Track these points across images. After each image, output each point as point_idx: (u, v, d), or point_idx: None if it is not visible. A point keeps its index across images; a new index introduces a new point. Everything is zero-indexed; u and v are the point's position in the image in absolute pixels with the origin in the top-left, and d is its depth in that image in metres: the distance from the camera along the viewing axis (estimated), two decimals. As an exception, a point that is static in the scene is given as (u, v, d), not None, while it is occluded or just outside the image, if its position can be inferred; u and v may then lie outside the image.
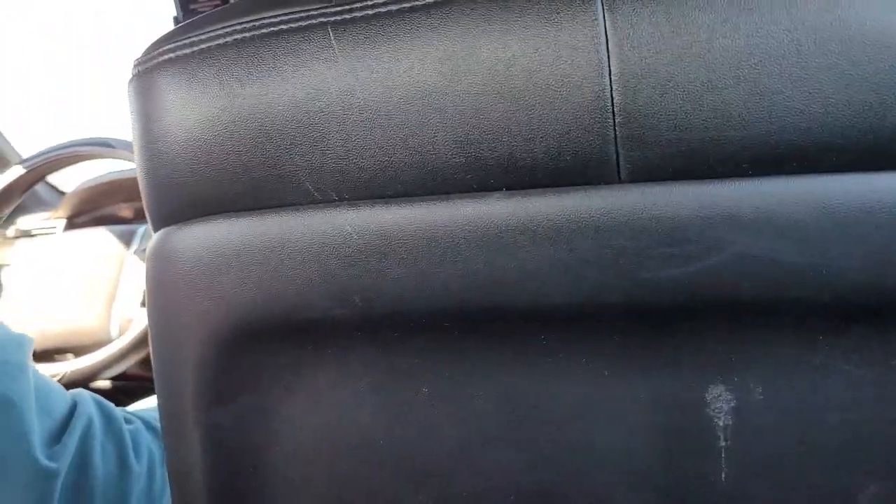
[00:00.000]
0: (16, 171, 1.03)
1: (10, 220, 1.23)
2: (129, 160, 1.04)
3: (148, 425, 0.56)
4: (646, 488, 0.35)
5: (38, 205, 1.36)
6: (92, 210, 1.25)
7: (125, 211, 1.23)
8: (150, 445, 0.54)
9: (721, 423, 0.32)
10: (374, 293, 0.33)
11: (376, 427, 0.36)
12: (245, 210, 0.34)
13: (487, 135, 0.31)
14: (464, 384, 0.35)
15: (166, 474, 0.55)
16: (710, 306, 0.31)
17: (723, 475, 0.34)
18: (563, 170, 0.30)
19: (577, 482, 0.35)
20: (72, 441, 0.48)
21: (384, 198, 0.32)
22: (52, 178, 1.39)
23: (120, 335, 0.98)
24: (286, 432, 0.37)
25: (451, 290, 0.32)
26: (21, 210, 1.29)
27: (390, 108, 0.31)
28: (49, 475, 0.46)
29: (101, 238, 1.05)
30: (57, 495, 0.47)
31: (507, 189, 0.31)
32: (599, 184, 0.30)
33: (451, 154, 0.31)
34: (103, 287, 1.02)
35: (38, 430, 0.47)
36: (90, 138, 1.06)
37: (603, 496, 0.35)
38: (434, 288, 0.32)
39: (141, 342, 0.95)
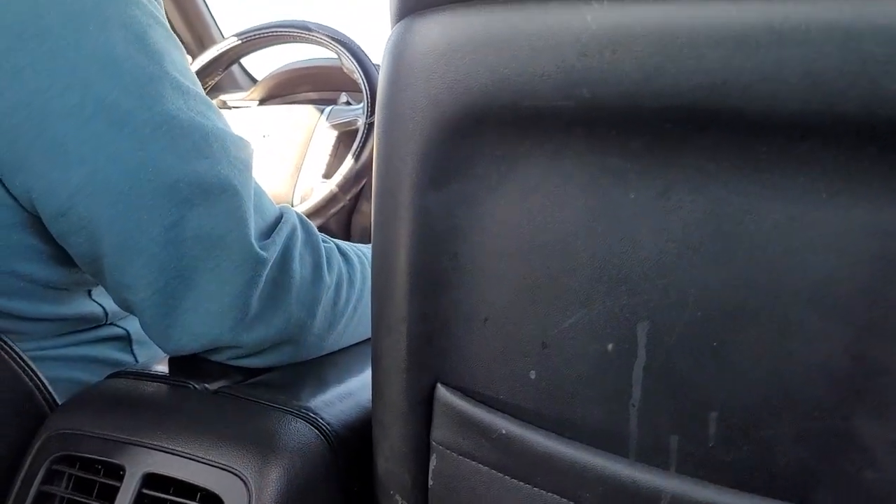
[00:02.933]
0: (231, 41, 1.12)
1: (210, 95, 1.33)
2: (324, 45, 1.09)
3: (339, 248, 0.60)
4: (842, 320, 0.34)
5: (233, 87, 1.47)
6: (281, 96, 1.34)
7: (313, 98, 1.30)
8: (340, 265, 0.59)
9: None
10: (603, 86, 0.34)
11: (578, 228, 0.38)
12: (489, -1, 0.36)
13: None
14: (672, 192, 0.36)
15: (350, 297, 0.59)
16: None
17: (931, 317, 0.33)
18: (821, -32, 0.30)
19: (768, 306, 0.36)
20: (279, 239, 0.53)
21: (630, -11, 0.33)
22: (247, 64, 1.49)
23: (301, 203, 1.05)
24: (489, 224, 0.40)
25: (682, 87, 0.33)
26: (217, 90, 1.40)
27: None
28: (259, 261, 0.51)
29: (292, 112, 1.12)
30: (262, 281, 0.52)
31: (757, -15, 0.31)
32: (857, -15, 0.30)
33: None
34: (291, 158, 1.09)
35: (253, 223, 0.52)
36: (290, 20, 1.12)
37: (794, 323, 0.35)
38: (665, 84, 0.33)
39: (318, 210, 1.01)
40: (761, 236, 0.35)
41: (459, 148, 0.39)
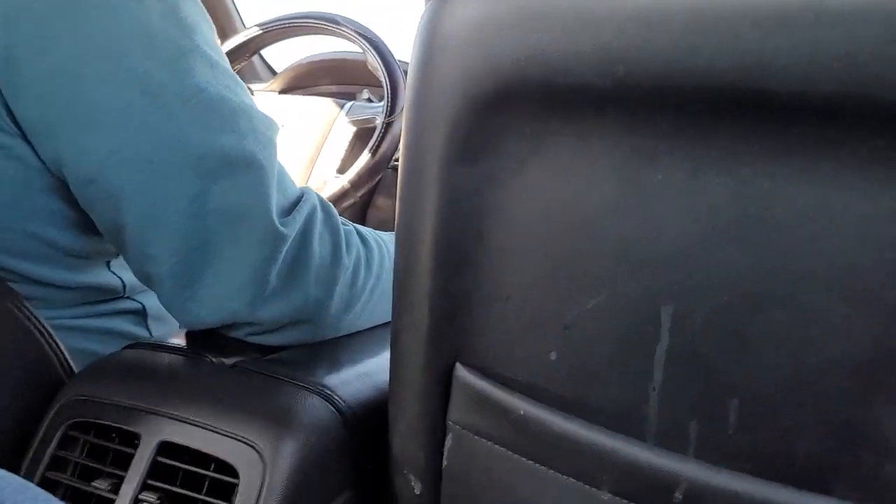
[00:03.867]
0: (253, 31, 1.12)
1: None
2: (350, 39, 1.10)
3: (358, 232, 0.60)
4: (867, 308, 0.34)
5: (253, 78, 1.47)
6: (302, 87, 1.34)
7: (333, 91, 1.31)
8: (359, 247, 0.59)
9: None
10: (638, 64, 0.34)
11: (605, 208, 0.38)
12: (525, -25, 0.37)
13: None
14: (701, 174, 0.36)
15: (367, 281, 0.60)
16: None
17: (960, 306, 0.33)
18: (862, -51, 0.30)
19: (793, 292, 0.35)
20: (299, 217, 0.54)
21: (668, -33, 0.33)
22: (267, 56, 1.49)
23: (313, 196, 1.05)
24: (516, 203, 0.40)
25: (717, 67, 0.33)
26: (237, 81, 1.40)
27: None
28: (280, 237, 0.52)
29: (312, 105, 1.13)
30: (282, 258, 0.52)
31: (798, -34, 0.31)
32: (898, -32, 0.30)
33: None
34: (307, 150, 1.10)
35: (275, 200, 0.52)
36: (318, 12, 1.12)
37: (819, 310, 0.35)
38: (700, 63, 0.33)
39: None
40: (789, 220, 0.35)
41: (489, 124, 0.39)
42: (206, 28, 0.53)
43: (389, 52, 1.05)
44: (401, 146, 0.42)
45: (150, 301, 0.66)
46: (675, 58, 0.34)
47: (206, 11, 0.54)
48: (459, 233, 0.41)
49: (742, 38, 0.33)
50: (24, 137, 0.50)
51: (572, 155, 0.38)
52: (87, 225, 0.54)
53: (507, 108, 0.38)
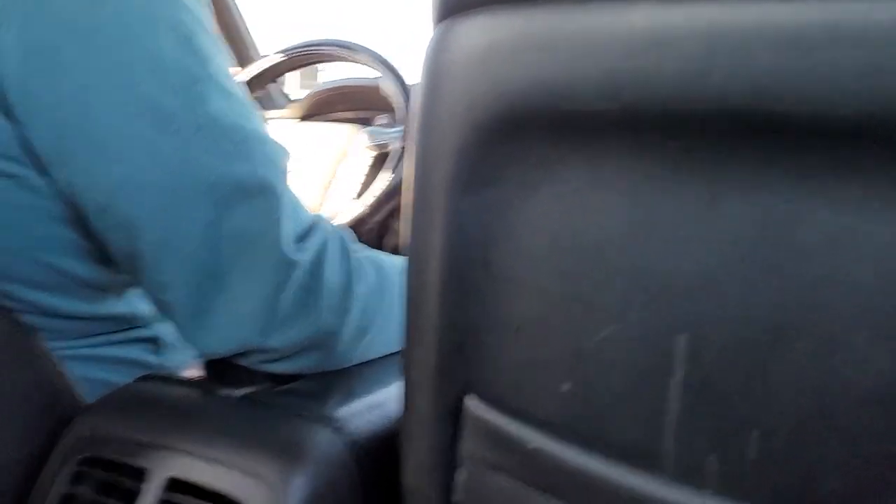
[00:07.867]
0: (273, 59, 1.13)
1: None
2: (366, 64, 1.10)
3: (372, 258, 0.60)
4: (892, 337, 0.33)
5: (271, 106, 1.48)
6: (319, 115, 1.35)
7: (350, 117, 1.31)
8: (373, 274, 0.58)
9: None
10: (645, 88, 0.34)
11: (616, 236, 0.37)
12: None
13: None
14: (718, 201, 0.35)
15: (380, 307, 0.59)
16: None
17: None
18: (878, -33, 0.29)
19: (814, 320, 0.34)
20: (312, 245, 0.53)
21: (678, -11, 0.33)
22: (283, 84, 1.50)
23: (328, 222, 1.05)
24: (523, 231, 0.39)
25: (730, 90, 0.32)
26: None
27: None
28: (290, 265, 0.51)
29: (330, 129, 1.13)
30: (293, 285, 0.51)
31: (811, -14, 0.30)
32: (917, -15, 0.29)
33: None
34: (325, 175, 1.10)
35: (287, 227, 0.52)
36: (334, 39, 1.13)
37: (840, 339, 0.34)
38: (711, 87, 0.32)
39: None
40: (811, 248, 0.34)
41: (495, 151, 0.38)
42: (220, 58, 0.53)
43: (405, 76, 1.05)
44: (412, 175, 0.41)
45: (164, 329, 0.66)
46: (685, 81, 0.33)
47: (220, 43, 0.54)
48: (466, 262, 0.40)
49: (756, 59, 0.32)
50: (40, 167, 0.50)
51: (581, 182, 0.37)
52: (102, 256, 0.55)
53: (513, 136, 0.37)
